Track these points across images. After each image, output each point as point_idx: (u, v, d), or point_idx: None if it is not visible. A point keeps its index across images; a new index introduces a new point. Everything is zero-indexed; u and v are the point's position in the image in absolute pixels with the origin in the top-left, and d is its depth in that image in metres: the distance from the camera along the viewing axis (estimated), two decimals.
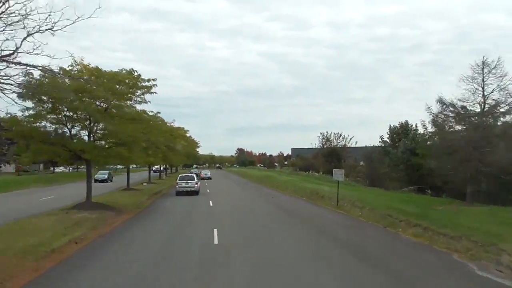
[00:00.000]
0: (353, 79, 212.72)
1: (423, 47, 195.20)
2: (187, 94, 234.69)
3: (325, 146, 53.68)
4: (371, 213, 18.51)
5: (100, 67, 20.09)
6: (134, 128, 20.29)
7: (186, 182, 31.50)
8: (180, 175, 36.69)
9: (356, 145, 53.29)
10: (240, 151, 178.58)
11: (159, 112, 31.93)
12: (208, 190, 37.05)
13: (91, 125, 19.85)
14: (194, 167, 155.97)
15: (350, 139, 52.62)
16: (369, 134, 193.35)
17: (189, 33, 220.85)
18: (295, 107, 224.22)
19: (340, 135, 52.83)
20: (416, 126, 30.93)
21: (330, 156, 51.36)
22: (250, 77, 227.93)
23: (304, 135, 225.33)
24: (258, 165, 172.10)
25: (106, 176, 50.59)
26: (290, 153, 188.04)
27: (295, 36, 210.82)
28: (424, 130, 23.93)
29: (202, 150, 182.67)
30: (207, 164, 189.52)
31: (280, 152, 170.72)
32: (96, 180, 47.45)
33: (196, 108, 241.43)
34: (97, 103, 19.76)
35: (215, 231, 14.54)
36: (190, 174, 36.76)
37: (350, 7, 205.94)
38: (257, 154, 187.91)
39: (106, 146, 20.80)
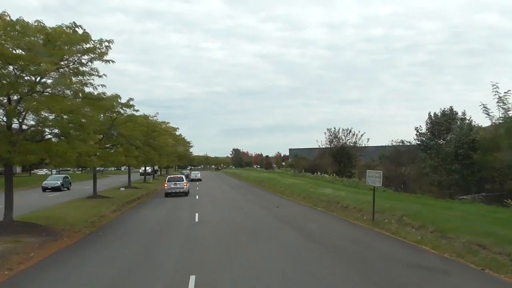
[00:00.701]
0: (348, 79, 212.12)
1: (417, 47, 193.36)
2: (181, 95, 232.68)
3: (332, 144, 47.00)
4: (440, 238, 11.85)
5: (27, 22, 13.22)
6: (77, 110, 13.55)
7: (175, 183, 30.85)
8: (169, 176, 35.70)
9: (368, 144, 46.73)
10: (236, 151, 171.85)
11: (132, 99, 24.97)
12: (197, 197, 30.33)
13: (10, 105, 13.03)
14: (188, 168, 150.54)
15: (361, 135, 46.02)
16: (366, 135, 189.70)
17: (183, 34, 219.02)
18: (290, 108, 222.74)
19: (350, 131, 46.23)
20: (463, 114, 24.35)
21: (339, 156, 44.71)
22: (245, 78, 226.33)
23: (299, 136, 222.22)
24: (255, 166, 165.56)
25: (59, 183, 38.74)
26: (288, 154, 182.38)
27: (290, 37, 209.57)
28: (488, 117, 17.36)
29: (196, 151, 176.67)
30: (202, 166, 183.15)
31: (278, 152, 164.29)
32: (45, 189, 37.53)
33: (190, 109, 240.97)
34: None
35: (192, 282, 7.94)
36: (179, 175, 35.28)
37: (345, 8, 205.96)
38: (253, 155, 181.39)
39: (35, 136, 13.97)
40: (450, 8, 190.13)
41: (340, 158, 44.53)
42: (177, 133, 63.50)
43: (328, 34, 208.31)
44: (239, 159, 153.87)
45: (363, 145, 46.37)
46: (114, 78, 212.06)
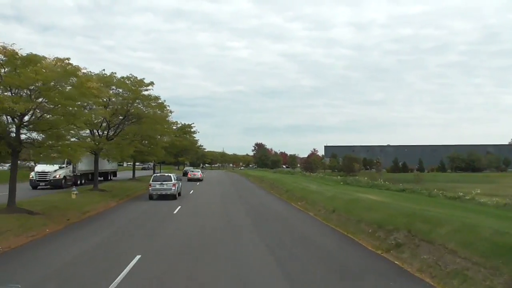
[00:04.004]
0: (373, 80, 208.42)
1: (447, 48, 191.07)
2: (204, 93, 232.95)
3: None
4: None
5: None
6: None
7: (161, 184, 25.21)
8: (154, 175, 28.84)
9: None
10: (259, 146, 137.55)
11: None
12: None
13: None
14: (201, 166, 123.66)
15: None
16: (387, 137, 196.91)
17: (210, 33, 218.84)
18: (313, 108, 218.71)
19: None
20: None
21: None
22: (268, 77, 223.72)
23: (321, 136, 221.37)
24: (283, 165, 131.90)
25: None
26: (324, 153, 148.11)
27: (316, 37, 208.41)
28: None
29: (211, 147, 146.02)
30: (218, 164, 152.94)
31: (314, 149, 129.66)
32: None
33: (213, 108, 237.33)
34: None
35: None
36: (167, 174, 27.18)
37: (374, 8, 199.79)
38: (278, 153, 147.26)
39: None
40: (484, 7, 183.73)
41: None
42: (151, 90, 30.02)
43: (354, 33, 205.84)
44: (264, 157, 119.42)
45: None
46: (140, 76, 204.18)
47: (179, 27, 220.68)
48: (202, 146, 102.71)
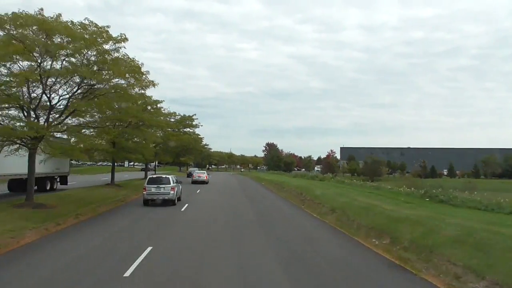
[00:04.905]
0: (382, 83, 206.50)
1: (459, 51, 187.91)
2: (213, 94, 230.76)
3: None
4: None
5: None
6: None
7: (158, 187, 21.98)
8: (150, 177, 23.81)
9: None
10: (270, 146, 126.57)
11: None
12: None
13: None
14: (207, 167, 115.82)
15: None
16: (396, 140, 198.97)
17: (220, 34, 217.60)
18: (321, 110, 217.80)
19: None
20: None
21: None
22: (278, 79, 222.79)
23: (329, 139, 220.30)
24: (296, 168, 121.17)
25: None
26: (339, 155, 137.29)
27: (326, 39, 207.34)
28: None
29: (219, 148, 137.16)
30: (225, 165, 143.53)
31: (331, 151, 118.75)
32: None
33: (221, 109, 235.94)
34: None
35: None
36: (164, 176, 23.48)
37: (385, 10, 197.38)
38: (289, 153, 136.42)
39: None
40: (496, 11, 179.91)
41: None
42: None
43: (365, 36, 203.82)
44: (276, 158, 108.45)
45: None
46: (149, 76, 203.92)
47: (189, 28, 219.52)
48: (208, 145, 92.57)
